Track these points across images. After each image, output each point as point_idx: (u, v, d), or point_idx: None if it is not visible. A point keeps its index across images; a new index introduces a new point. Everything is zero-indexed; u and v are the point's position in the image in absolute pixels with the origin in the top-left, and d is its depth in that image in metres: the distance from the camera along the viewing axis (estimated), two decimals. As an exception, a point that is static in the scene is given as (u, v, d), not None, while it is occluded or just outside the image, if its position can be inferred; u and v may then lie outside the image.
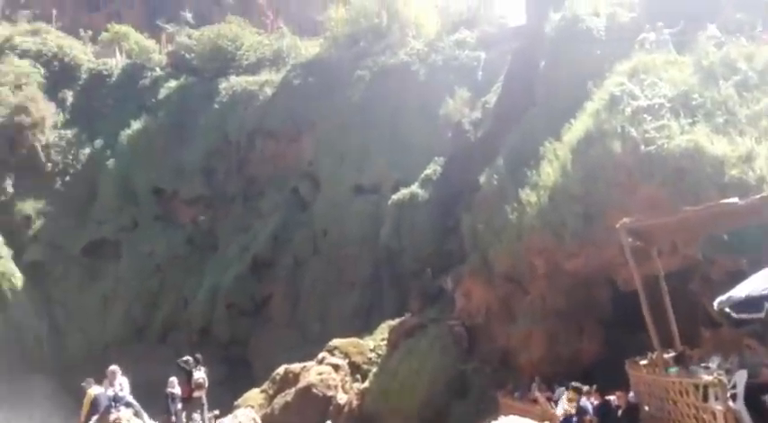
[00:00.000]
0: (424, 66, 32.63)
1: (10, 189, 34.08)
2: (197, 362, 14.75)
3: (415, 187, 27.03)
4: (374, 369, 21.11)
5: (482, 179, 19.48)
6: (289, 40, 38.92)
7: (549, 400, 14.03)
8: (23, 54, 37.56)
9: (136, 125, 36.20)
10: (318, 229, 31.43)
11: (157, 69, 38.66)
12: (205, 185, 35.14)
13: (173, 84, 37.71)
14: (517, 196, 16.46)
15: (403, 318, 21.92)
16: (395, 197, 27.43)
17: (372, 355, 22.09)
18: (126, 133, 35.97)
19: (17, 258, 32.69)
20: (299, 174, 33.64)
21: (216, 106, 36.08)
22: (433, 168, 27.18)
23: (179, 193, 35.04)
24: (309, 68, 35.58)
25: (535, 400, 14.25)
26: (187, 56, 38.34)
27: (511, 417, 11.32)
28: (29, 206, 34.11)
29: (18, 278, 32.23)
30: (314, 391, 20.25)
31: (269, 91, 35.76)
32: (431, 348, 19.26)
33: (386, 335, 22.06)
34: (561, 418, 12.34)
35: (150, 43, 40.10)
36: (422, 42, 34.18)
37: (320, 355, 21.45)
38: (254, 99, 35.74)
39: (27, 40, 38.38)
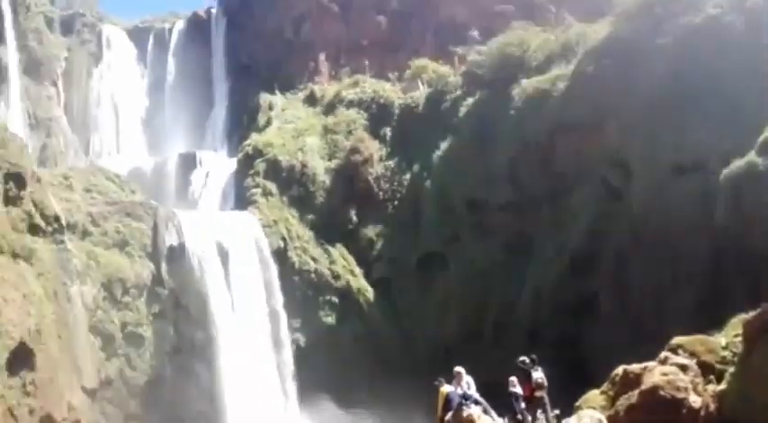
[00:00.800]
0: (740, 14, 27.95)
1: (355, 218, 40.54)
2: (533, 362, 15.14)
3: (752, 156, 23.47)
4: (731, 369, 18.64)
5: None
6: (576, 28, 37.57)
7: None
8: (349, 104, 44.71)
9: (444, 145, 39.37)
10: (637, 219, 29.34)
11: (454, 91, 41.54)
12: (512, 191, 36.03)
13: (469, 101, 39.93)
14: None
15: (760, 310, 18.85)
16: (727, 171, 24.22)
17: (726, 353, 19.50)
18: (437, 155, 39.43)
19: (367, 276, 39.04)
20: (606, 163, 31.97)
21: (512, 112, 36.78)
22: (772, 130, 23.16)
23: (489, 202, 36.70)
24: (602, 51, 33.67)
25: None
26: (479, 72, 40.21)
27: None
28: (370, 231, 40.05)
29: (370, 292, 38.68)
30: (661, 393, 18.70)
31: (561, 85, 34.98)
32: (804, 344, 16.14)
33: (739, 330, 19.27)
34: None
35: (445, 69, 43.39)
36: (734, -12, 29.35)
37: (662, 355, 19.75)
38: (547, 97, 35.36)
39: (350, 91, 45.61)
